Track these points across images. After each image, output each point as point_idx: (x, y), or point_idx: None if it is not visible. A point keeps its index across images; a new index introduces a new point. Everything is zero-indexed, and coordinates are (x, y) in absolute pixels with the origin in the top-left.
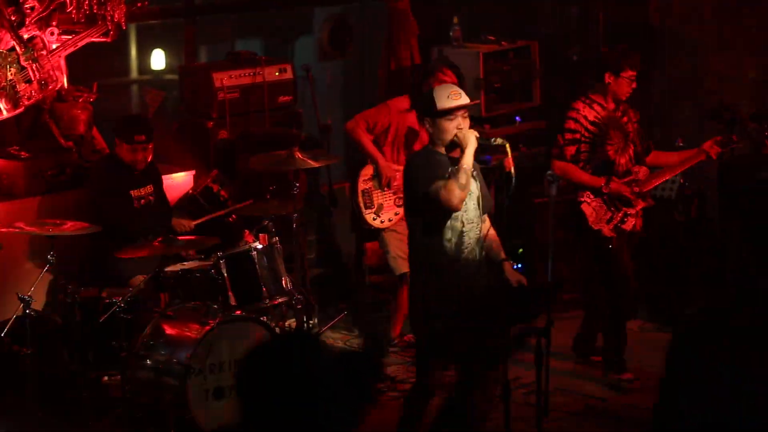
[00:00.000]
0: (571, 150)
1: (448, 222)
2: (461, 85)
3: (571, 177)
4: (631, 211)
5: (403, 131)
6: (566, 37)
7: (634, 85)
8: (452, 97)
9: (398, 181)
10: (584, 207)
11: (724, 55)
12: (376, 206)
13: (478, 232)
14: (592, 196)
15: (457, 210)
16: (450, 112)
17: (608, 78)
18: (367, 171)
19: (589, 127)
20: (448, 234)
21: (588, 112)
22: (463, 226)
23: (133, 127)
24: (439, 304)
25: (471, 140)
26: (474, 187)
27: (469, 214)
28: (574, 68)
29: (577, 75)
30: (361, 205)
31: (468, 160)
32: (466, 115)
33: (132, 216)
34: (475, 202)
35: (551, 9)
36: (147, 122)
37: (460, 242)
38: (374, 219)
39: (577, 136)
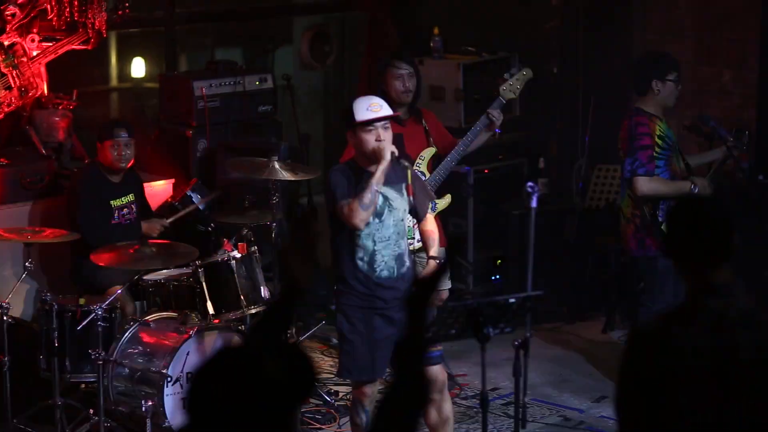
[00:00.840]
0: (652, 166)
1: (359, 240)
2: (417, 77)
3: (660, 192)
4: None
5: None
6: (546, 49)
7: (680, 87)
8: (371, 108)
9: None
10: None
11: (703, 68)
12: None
13: (399, 249)
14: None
15: (358, 230)
16: (367, 123)
17: (656, 86)
18: None
19: (658, 141)
20: (360, 253)
21: (654, 127)
22: (375, 245)
23: (114, 123)
24: (352, 322)
25: (385, 156)
26: (400, 202)
27: (385, 231)
28: (554, 80)
29: (556, 87)
30: None
31: (376, 177)
32: (387, 126)
33: (108, 233)
34: (398, 217)
35: (532, 21)
36: (127, 121)
37: (372, 261)
38: None
39: (652, 152)
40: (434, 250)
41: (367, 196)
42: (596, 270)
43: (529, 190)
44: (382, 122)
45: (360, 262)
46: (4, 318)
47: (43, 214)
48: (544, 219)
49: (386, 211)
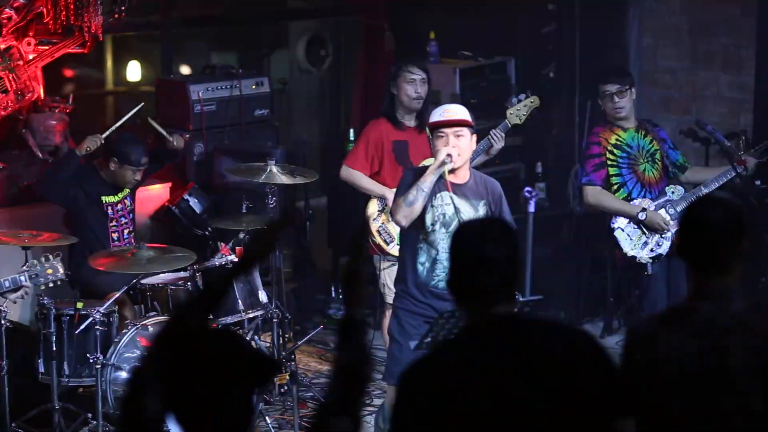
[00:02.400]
0: (601, 174)
1: (423, 244)
2: (429, 81)
3: (604, 205)
4: (666, 234)
5: (390, 148)
6: (543, 54)
7: (618, 101)
8: (444, 114)
9: None
10: (618, 234)
11: (699, 72)
12: (396, 237)
13: None
14: (624, 221)
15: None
16: (435, 127)
17: (600, 98)
18: (372, 209)
19: (613, 150)
20: (423, 257)
21: (608, 135)
22: (438, 253)
23: (141, 151)
24: (403, 326)
25: (437, 157)
26: (471, 216)
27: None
28: (550, 85)
29: (553, 92)
30: (382, 243)
31: (425, 177)
32: (460, 134)
33: (99, 225)
34: None
35: (528, 25)
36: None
37: (432, 269)
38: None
39: (603, 159)
40: None
41: (412, 193)
42: (593, 275)
43: (527, 195)
44: (454, 129)
45: (420, 267)
46: (2, 322)
47: (40, 218)
48: (541, 224)
49: (455, 223)
